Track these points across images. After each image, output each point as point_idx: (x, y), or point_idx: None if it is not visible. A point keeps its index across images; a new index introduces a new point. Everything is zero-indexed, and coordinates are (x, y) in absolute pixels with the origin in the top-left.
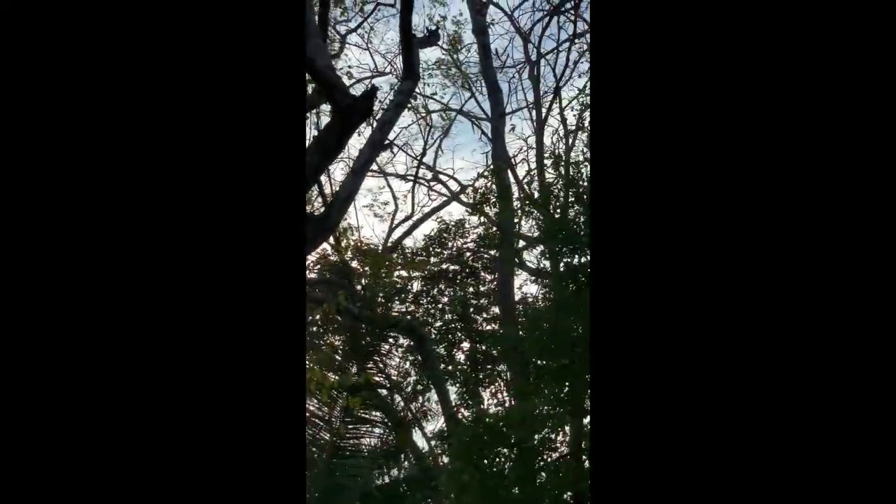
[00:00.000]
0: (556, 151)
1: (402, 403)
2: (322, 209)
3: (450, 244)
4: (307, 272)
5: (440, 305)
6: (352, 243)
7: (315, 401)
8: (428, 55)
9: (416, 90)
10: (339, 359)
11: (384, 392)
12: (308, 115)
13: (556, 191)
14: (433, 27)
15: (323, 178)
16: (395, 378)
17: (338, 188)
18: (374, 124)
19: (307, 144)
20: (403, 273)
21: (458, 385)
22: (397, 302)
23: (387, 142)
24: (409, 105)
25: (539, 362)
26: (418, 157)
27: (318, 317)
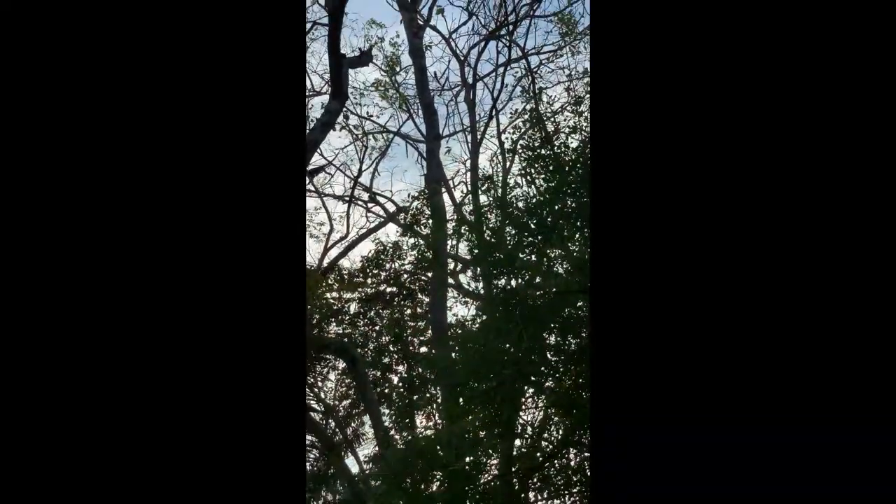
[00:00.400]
0: (490, 173)
1: (334, 426)
2: None
3: (387, 266)
4: None
5: (377, 327)
6: None
7: None
8: (367, 76)
9: (353, 110)
10: None
11: (317, 415)
12: None
13: (489, 213)
14: (366, 47)
15: None
16: (328, 401)
17: None
18: None
19: None
20: (341, 294)
21: (391, 408)
22: (333, 323)
23: (319, 164)
24: (344, 125)
25: (470, 384)
26: (354, 178)
27: None
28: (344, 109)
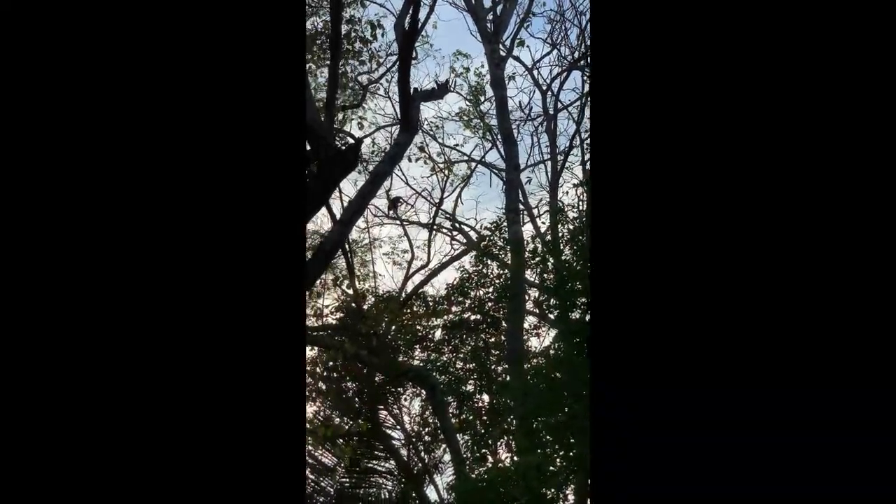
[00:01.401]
0: (562, 205)
1: (413, 454)
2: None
3: (471, 293)
4: (322, 318)
5: (461, 354)
6: (369, 289)
7: (322, 448)
8: (451, 105)
9: (437, 139)
10: (356, 405)
11: (397, 441)
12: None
13: (566, 245)
14: (442, 80)
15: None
16: (408, 427)
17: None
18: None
19: None
20: (425, 321)
21: (469, 437)
22: (418, 349)
23: (393, 196)
24: (421, 156)
25: (541, 417)
26: (436, 205)
27: (331, 363)
28: (423, 138)
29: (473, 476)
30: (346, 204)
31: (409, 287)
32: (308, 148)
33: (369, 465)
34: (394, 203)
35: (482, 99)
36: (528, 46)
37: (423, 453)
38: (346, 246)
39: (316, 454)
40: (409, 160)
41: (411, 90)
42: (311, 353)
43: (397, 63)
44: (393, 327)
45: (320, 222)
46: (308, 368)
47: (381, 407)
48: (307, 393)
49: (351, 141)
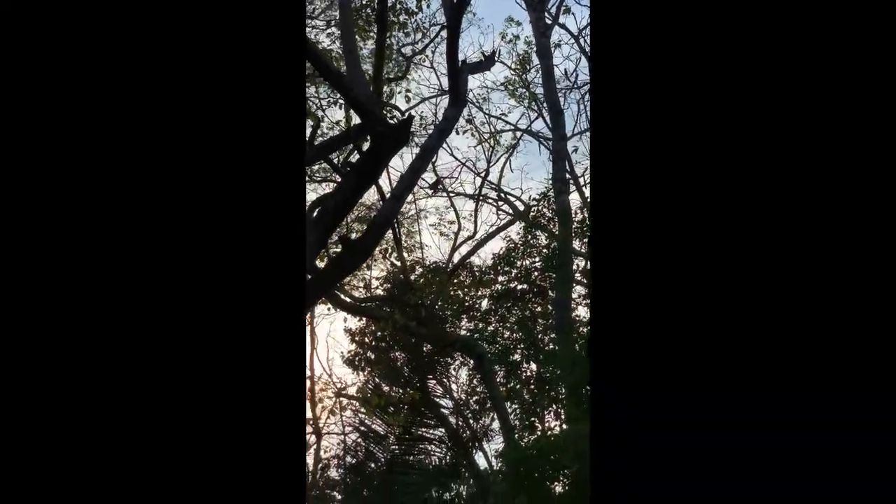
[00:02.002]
0: None
1: (462, 422)
2: (360, 234)
3: (518, 263)
4: (371, 289)
5: (508, 324)
6: (417, 261)
7: (374, 416)
8: (496, 75)
9: (482, 108)
10: (406, 374)
11: (447, 410)
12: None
13: None
14: (489, 51)
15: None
16: (457, 396)
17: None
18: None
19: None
20: (473, 291)
21: (517, 405)
22: (465, 319)
23: (434, 179)
24: (469, 128)
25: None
26: (482, 177)
27: (380, 333)
28: (468, 109)
29: (522, 444)
30: (394, 178)
31: (456, 258)
32: (359, 122)
33: (419, 432)
34: (434, 185)
35: (528, 67)
36: (573, 14)
37: (471, 421)
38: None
39: (368, 422)
40: (457, 132)
41: (459, 62)
42: (360, 323)
43: (443, 34)
44: (440, 298)
45: (372, 197)
46: (357, 339)
47: (430, 376)
48: (357, 363)
49: (397, 114)
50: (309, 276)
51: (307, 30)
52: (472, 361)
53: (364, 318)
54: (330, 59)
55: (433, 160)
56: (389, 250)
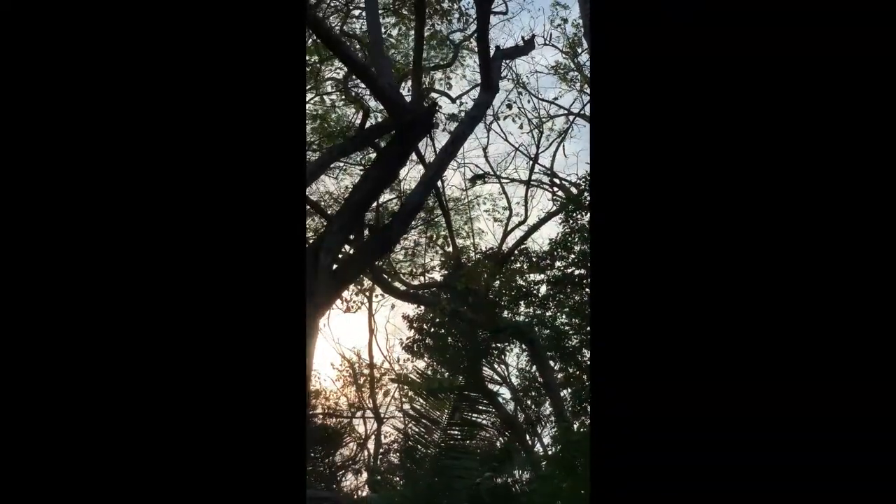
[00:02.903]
0: None
1: (517, 407)
2: (387, 222)
3: (575, 248)
4: (424, 275)
5: (565, 309)
6: (471, 247)
7: (429, 402)
8: (548, 59)
9: (534, 93)
10: (461, 360)
11: (502, 395)
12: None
13: None
14: (530, 35)
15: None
16: (512, 382)
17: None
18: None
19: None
20: (530, 276)
21: (572, 391)
22: (522, 305)
23: (472, 174)
24: (509, 113)
25: None
26: (532, 158)
27: (437, 319)
28: (516, 95)
29: (574, 429)
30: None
31: (510, 243)
32: (386, 114)
33: (474, 418)
34: (474, 180)
35: (579, 51)
36: None
37: (526, 407)
38: (443, 203)
39: (422, 408)
40: (512, 120)
41: (492, 50)
42: (417, 310)
43: (493, 20)
44: (496, 283)
45: (407, 184)
46: (415, 325)
47: (485, 362)
48: (416, 349)
49: (447, 101)
50: (335, 266)
51: (336, 18)
52: (524, 347)
53: (421, 306)
54: (355, 49)
55: (471, 145)
56: (439, 238)
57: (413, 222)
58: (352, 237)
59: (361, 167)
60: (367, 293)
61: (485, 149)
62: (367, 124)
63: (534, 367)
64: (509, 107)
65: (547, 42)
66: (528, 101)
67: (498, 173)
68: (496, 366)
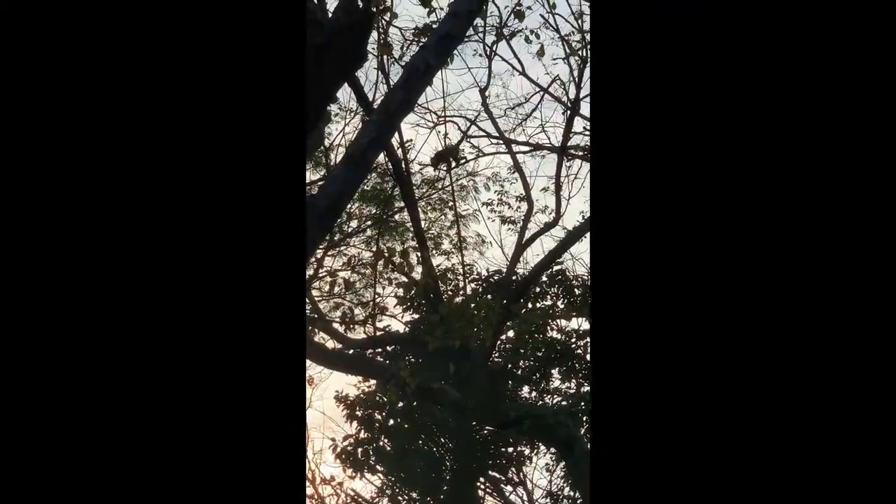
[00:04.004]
0: None
1: None
2: None
3: None
4: (372, 323)
5: None
6: (456, 270)
7: None
8: None
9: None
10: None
11: None
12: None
13: None
14: None
15: None
16: None
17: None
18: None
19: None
20: (569, 322)
21: None
22: (555, 375)
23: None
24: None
25: None
26: (571, 107)
27: (396, 402)
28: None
29: None
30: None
31: (532, 259)
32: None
33: None
34: (443, 158)
35: None
36: None
37: None
38: (407, 189)
39: None
40: (526, 40)
41: None
42: (360, 386)
43: None
44: (504, 334)
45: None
46: (359, 414)
47: (483, 481)
48: (359, 457)
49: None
50: None
51: None
52: (551, 450)
53: (369, 379)
54: None
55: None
56: (395, 254)
57: (345, 222)
58: None
59: None
60: None
61: (482, 90)
62: None
63: (572, 489)
64: (520, 16)
65: None
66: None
67: (506, 135)
68: (505, 486)
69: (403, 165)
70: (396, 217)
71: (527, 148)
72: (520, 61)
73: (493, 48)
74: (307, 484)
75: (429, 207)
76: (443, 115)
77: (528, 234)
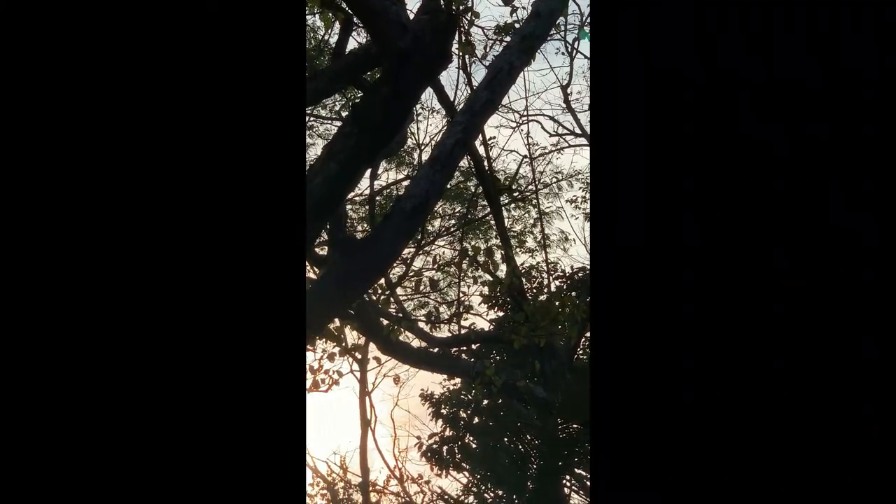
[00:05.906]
0: None
1: None
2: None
3: None
4: (458, 322)
5: None
6: (541, 267)
7: None
8: None
9: None
10: (528, 478)
11: None
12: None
13: None
14: None
15: None
16: None
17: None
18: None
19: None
20: None
21: None
22: None
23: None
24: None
25: None
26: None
27: (482, 400)
28: None
29: None
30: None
31: None
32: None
33: None
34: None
35: None
36: None
37: None
38: (489, 187)
39: None
40: None
41: None
42: (445, 384)
43: None
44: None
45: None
46: (444, 412)
47: (570, 478)
48: (445, 455)
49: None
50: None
51: None
52: None
53: (455, 377)
54: None
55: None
56: (480, 252)
57: (429, 222)
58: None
59: (333, 120)
60: (353, 355)
61: (564, 87)
62: (349, 47)
63: None
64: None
65: None
66: None
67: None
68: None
69: (486, 164)
70: (480, 216)
71: None
72: None
73: (576, 46)
74: (394, 482)
75: (512, 205)
76: (525, 114)
77: None
